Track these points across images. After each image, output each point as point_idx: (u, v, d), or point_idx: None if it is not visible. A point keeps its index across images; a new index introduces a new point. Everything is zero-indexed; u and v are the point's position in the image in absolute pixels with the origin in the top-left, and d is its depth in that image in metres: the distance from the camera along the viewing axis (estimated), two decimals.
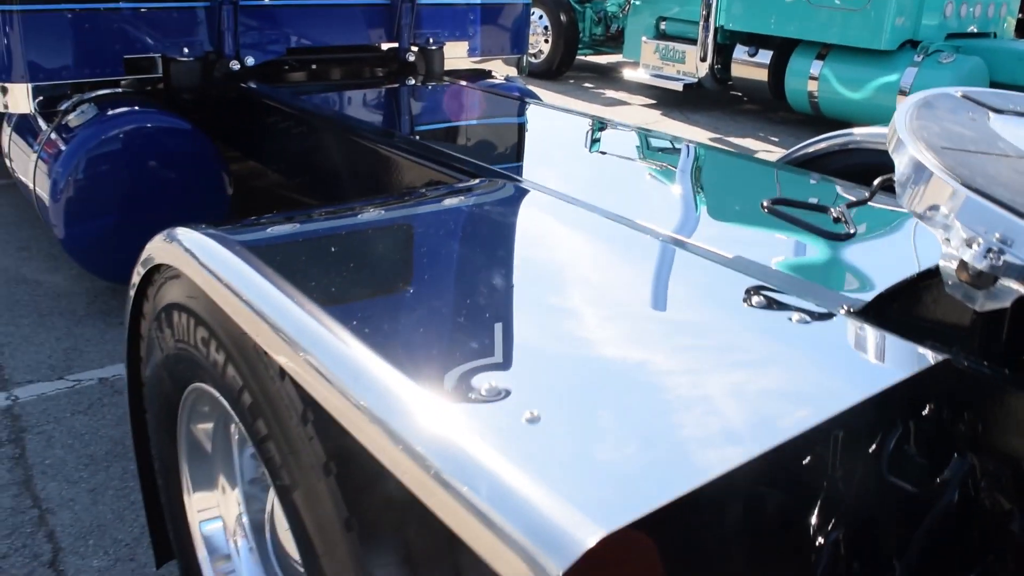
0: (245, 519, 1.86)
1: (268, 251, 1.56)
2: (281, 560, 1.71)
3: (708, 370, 1.24)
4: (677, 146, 2.94)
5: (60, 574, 2.51)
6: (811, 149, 2.87)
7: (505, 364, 1.22)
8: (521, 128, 3.53)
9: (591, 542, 0.78)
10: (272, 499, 1.70)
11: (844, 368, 1.31)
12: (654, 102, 10.17)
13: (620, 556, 0.82)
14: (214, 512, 1.86)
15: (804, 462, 1.14)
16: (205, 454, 1.80)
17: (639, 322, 1.41)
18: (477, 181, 2.18)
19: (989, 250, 1.27)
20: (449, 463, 0.93)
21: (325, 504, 1.16)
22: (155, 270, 1.69)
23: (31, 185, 4.08)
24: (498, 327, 1.31)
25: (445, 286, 1.49)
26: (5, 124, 4.68)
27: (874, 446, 1.41)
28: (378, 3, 4.45)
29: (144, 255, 1.72)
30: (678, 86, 9.40)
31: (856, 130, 2.76)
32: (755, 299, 1.44)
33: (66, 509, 2.78)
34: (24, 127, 4.34)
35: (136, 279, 1.78)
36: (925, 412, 1.44)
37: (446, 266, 1.58)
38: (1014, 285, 1.30)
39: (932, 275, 1.46)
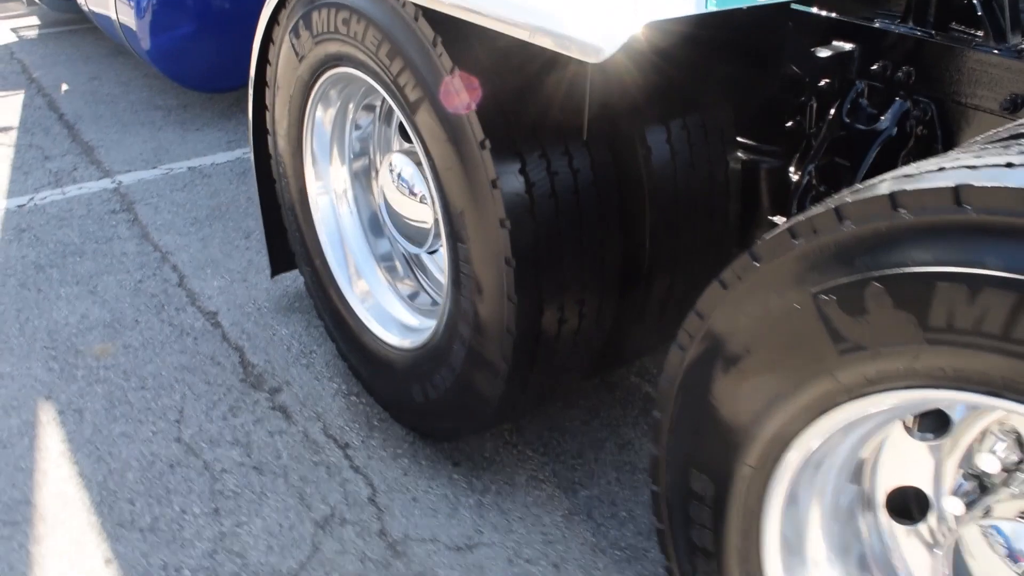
0: (349, 193, 2.45)
1: None
2: (393, 217, 2.27)
3: None
4: None
5: (189, 291, 3.10)
6: None
7: None
8: None
9: (637, 29, 1.31)
10: (384, 170, 2.25)
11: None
12: None
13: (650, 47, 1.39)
14: (325, 187, 2.45)
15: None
16: (325, 137, 2.36)
17: None
18: None
19: None
20: (547, 15, 1.45)
21: (456, 99, 1.69)
22: None
23: (113, 15, 4.53)
24: None
25: None
26: None
27: (837, 101, 1.96)
28: None
29: None
30: None
31: None
32: None
33: (182, 252, 3.36)
34: None
35: (271, 5, 2.29)
36: (875, 68, 1.96)
37: None
38: None
39: None
